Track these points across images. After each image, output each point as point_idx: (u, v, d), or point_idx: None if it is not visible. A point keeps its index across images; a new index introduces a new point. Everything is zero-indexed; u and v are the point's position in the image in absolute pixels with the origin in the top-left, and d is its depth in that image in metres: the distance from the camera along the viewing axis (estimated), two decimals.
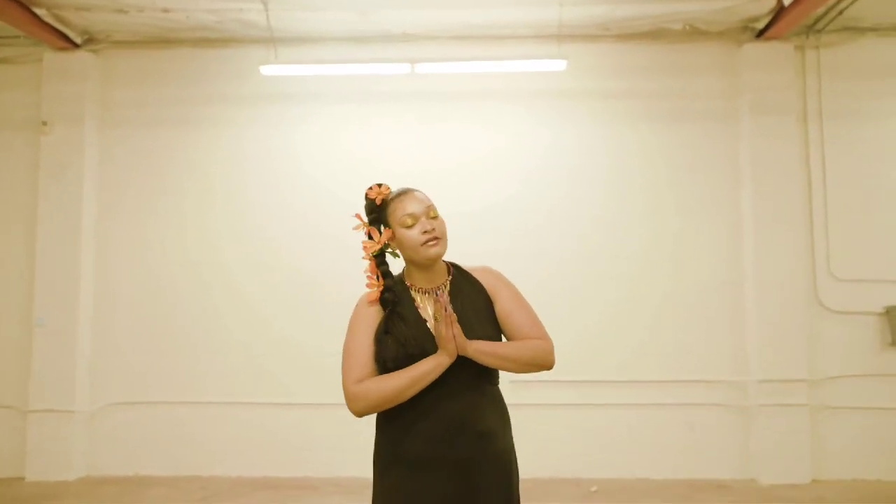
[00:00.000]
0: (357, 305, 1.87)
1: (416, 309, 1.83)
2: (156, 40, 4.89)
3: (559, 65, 4.35)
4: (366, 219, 1.89)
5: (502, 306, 1.85)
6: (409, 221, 1.81)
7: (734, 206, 4.73)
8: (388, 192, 1.89)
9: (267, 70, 4.43)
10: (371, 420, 1.84)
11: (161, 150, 4.92)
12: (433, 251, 1.79)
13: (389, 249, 1.88)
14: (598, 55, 4.83)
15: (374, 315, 1.82)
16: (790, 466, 4.42)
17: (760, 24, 4.62)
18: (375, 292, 1.84)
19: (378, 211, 1.88)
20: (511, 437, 1.86)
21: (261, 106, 4.89)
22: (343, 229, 4.62)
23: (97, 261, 4.87)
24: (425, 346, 1.75)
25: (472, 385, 1.78)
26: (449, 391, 1.75)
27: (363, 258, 1.85)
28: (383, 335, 1.79)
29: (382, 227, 1.87)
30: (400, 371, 1.75)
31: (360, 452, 4.72)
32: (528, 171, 4.81)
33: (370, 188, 1.89)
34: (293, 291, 4.80)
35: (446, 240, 1.84)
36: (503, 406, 1.87)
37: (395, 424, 1.79)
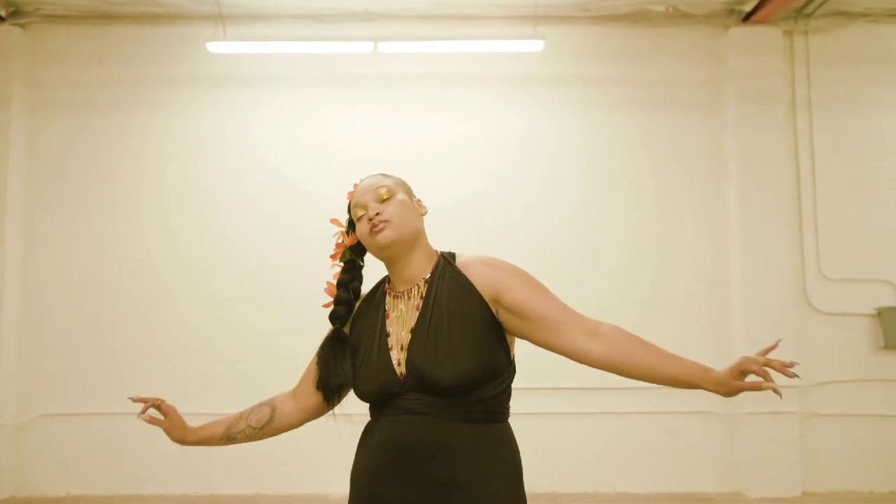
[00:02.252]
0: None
1: (381, 322, 1.59)
2: (92, 15, 4.66)
3: (536, 45, 4.24)
4: (345, 223, 1.70)
5: (514, 297, 1.51)
6: (359, 212, 1.61)
7: (719, 200, 4.66)
8: None
9: (214, 47, 4.24)
10: (352, 434, 1.68)
11: (98, 136, 4.70)
12: (379, 238, 1.55)
13: (356, 257, 1.69)
14: (576, 38, 4.72)
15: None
16: (779, 478, 4.36)
17: (747, 7, 4.55)
18: (328, 304, 1.66)
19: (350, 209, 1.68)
20: (501, 497, 1.49)
21: (213, 89, 4.70)
22: (304, 220, 4.59)
23: (24, 256, 4.62)
24: (377, 360, 1.54)
25: (452, 411, 1.47)
26: (410, 413, 1.49)
27: (332, 265, 1.69)
28: (317, 355, 1.65)
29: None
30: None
31: (315, 467, 4.62)
32: (500, 163, 4.70)
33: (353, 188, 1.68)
34: (251, 288, 4.62)
35: (406, 223, 1.57)
36: (503, 453, 1.52)
37: (368, 425, 1.61)
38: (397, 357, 1.53)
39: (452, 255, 1.63)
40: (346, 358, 1.60)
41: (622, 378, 4.66)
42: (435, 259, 1.62)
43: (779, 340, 1.54)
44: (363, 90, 4.69)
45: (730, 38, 4.62)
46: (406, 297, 1.58)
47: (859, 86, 4.67)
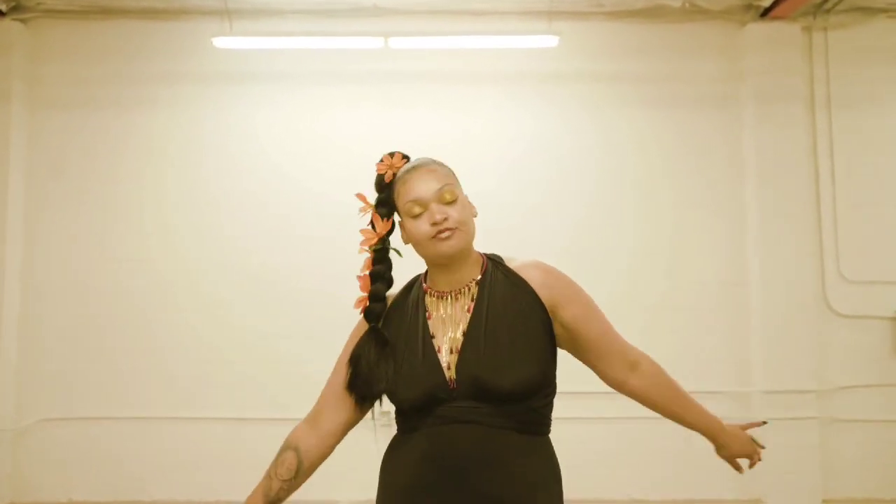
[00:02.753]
0: (355, 327, 1.58)
1: (423, 323, 1.48)
2: (94, 10, 4.58)
3: (550, 41, 4.17)
4: (372, 200, 1.55)
5: (573, 317, 1.49)
6: (416, 210, 1.47)
7: (736, 200, 4.59)
8: (401, 164, 1.54)
9: (220, 42, 4.18)
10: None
11: (100, 133, 4.62)
12: (444, 247, 1.45)
13: (393, 247, 1.56)
14: (589, 35, 4.65)
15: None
16: (798, 485, 4.29)
17: (765, 3, 4.48)
18: (362, 300, 1.53)
19: (387, 190, 1.54)
20: None
21: (218, 86, 4.63)
22: (308, 220, 4.51)
23: (24, 257, 4.55)
24: (421, 364, 1.43)
25: (505, 420, 1.40)
26: (459, 423, 1.38)
27: (360, 251, 1.53)
28: (351, 359, 1.50)
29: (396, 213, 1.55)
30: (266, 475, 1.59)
31: (321, 473, 4.54)
32: (509, 161, 4.63)
33: (380, 161, 1.55)
34: (253, 289, 4.55)
35: (468, 228, 1.48)
36: (550, 467, 1.48)
37: (396, 439, 1.52)
38: (447, 360, 1.43)
39: (499, 258, 1.56)
40: (388, 361, 1.47)
41: None
42: (480, 261, 1.54)
43: (765, 422, 1.81)
44: (371, 87, 4.61)
45: (747, 34, 4.55)
46: (452, 297, 1.50)
47: (880, 83, 4.61)
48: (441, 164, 1.53)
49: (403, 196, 1.49)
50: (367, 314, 1.52)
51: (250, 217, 4.58)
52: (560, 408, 4.73)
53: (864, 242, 4.52)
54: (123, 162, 4.62)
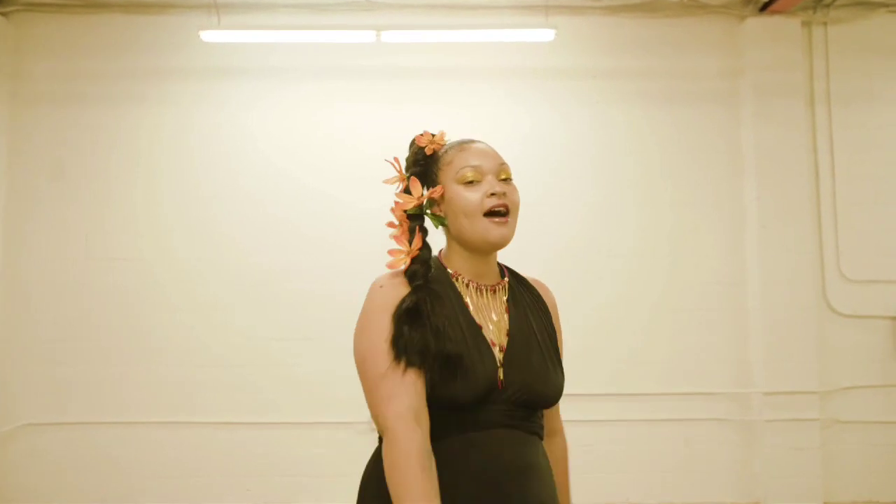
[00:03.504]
0: (371, 291, 1.36)
1: (465, 307, 1.36)
2: (78, 3, 4.50)
3: (547, 35, 4.11)
4: (405, 170, 1.45)
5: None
6: (470, 175, 1.36)
7: (736, 198, 4.55)
8: (443, 142, 1.46)
9: (208, 36, 4.10)
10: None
11: (86, 129, 4.54)
12: (496, 233, 1.33)
13: (430, 212, 1.42)
14: (586, 29, 4.59)
15: (394, 300, 1.33)
16: (799, 488, 4.25)
17: None
18: (401, 259, 1.36)
19: (425, 163, 1.43)
20: None
21: (208, 82, 4.55)
22: (304, 218, 4.42)
23: (7, 257, 4.46)
24: (473, 352, 1.29)
25: (536, 426, 1.39)
26: (503, 427, 1.31)
27: (388, 224, 1.41)
28: (403, 318, 1.28)
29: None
30: (431, 487, 1.20)
31: (317, 478, 4.50)
32: (505, 158, 4.55)
33: (420, 134, 1.46)
34: (248, 290, 4.47)
35: (516, 220, 1.38)
36: (552, 470, 1.47)
37: (447, 452, 1.34)
38: (498, 358, 1.33)
39: (509, 268, 1.52)
40: (432, 313, 1.31)
41: (636, 385, 4.58)
42: (497, 264, 1.48)
43: None
44: (364, 83, 4.54)
45: (746, 28, 4.50)
46: (488, 291, 1.41)
47: (881, 78, 4.56)
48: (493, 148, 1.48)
49: (458, 162, 1.40)
50: (412, 275, 1.34)
51: (244, 215, 4.51)
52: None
53: (865, 241, 4.48)
54: (111, 159, 4.54)
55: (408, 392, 1.25)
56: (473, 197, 1.35)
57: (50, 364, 4.43)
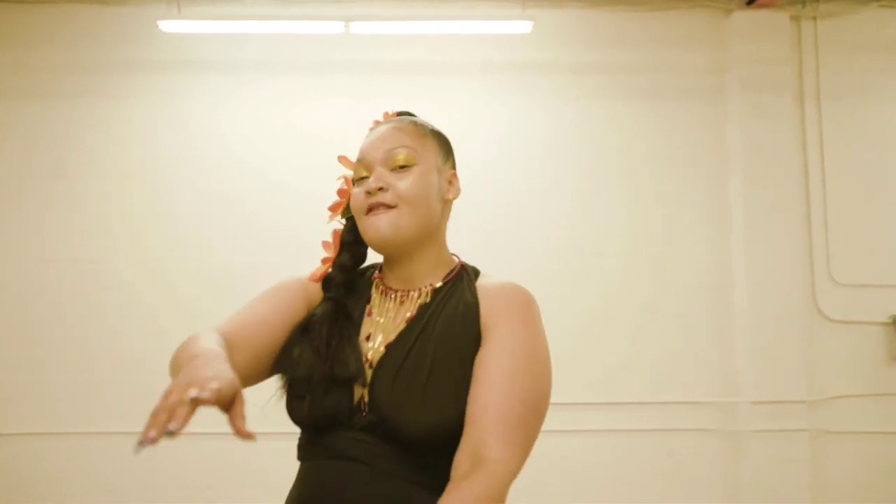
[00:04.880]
0: (294, 275, 1.29)
1: (362, 315, 1.22)
2: None
3: (524, 26, 4.01)
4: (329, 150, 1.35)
5: (481, 360, 1.13)
6: (361, 172, 1.21)
7: (722, 197, 4.47)
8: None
9: (167, 26, 3.98)
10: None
11: (44, 125, 4.41)
12: (371, 228, 1.18)
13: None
14: (567, 22, 4.50)
15: (307, 299, 1.25)
16: (787, 500, 4.17)
17: None
18: (324, 267, 1.27)
19: None
20: None
21: (172, 75, 4.43)
22: (281, 218, 4.23)
23: None
24: (351, 372, 1.12)
25: (410, 469, 1.10)
26: (349, 465, 1.09)
27: (329, 220, 1.31)
28: (301, 332, 1.18)
29: None
30: (197, 345, 1.13)
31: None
32: (484, 157, 4.45)
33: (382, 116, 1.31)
34: (221, 291, 4.29)
35: (421, 210, 1.18)
36: None
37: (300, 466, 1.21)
38: (368, 375, 1.16)
39: (476, 273, 1.27)
40: (353, 345, 1.17)
41: (617, 393, 4.45)
42: (451, 267, 1.27)
43: None
44: (334, 77, 4.44)
45: (733, 22, 4.43)
46: (398, 298, 1.23)
47: (871, 74, 4.50)
48: (421, 126, 1.25)
49: (357, 156, 1.25)
50: (326, 283, 1.25)
51: (215, 214, 4.40)
52: None
53: (855, 243, 4.41)
54: (71, 156, 4.41)
55: (236, 327, 1.24)
56: (358, 197, 1.21)
57: (18, 371, 4.30)
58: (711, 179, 4.49)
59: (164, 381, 3.90)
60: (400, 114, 1.34)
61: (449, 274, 1.25)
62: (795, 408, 4.22)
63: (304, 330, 1.20)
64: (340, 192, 1.32)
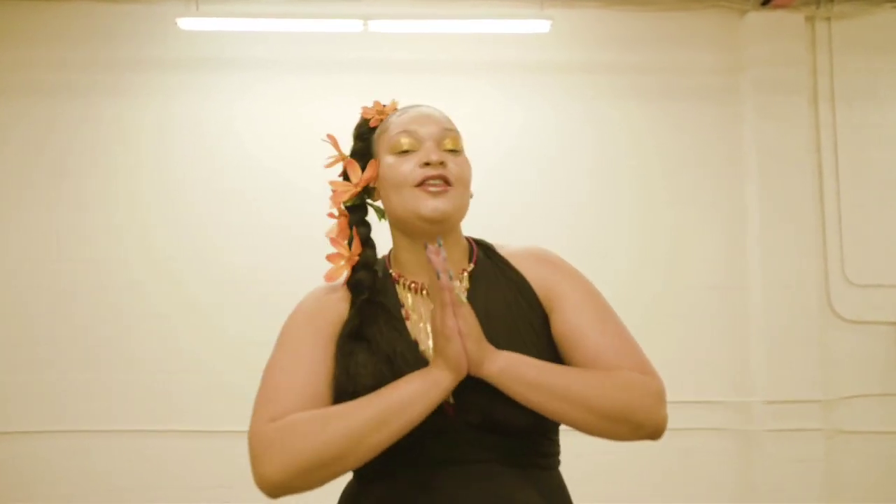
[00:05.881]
0: (299, 304, 1.18)
1: (402, 317, 1.14)
2: None
3: (542, 26, 4.03)
4: (346, 149, 1.23)
5: (565, 316, 1.13)
6: (405, 143, 1.13)
7: (736, 199, 4.48)
8: (394, 110, 1.24)
9: (185, 23, 3.99)
10: None
11: (58, 124, 4.42)
12: (430, 205, 1.10)
13: (373, 201, 1.20)
14: (581, 22, 4.51)
15: (330, 316, 1.14)
16: (801, 500, 4.18)
17: None
18: (341, 267, 1.14)
19: (369, 137, 1.22)
20: None
21: (188, 73, 4.43)
22: (293, 218, 4.24)
23: None
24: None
25: (510, 459, 1.09)
26: (462, 468, 1.05)
27: (329, 213, 1.20)
28: (350, 343, 1.09)
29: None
30: (358, 400, 1.01)
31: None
32: (497, 156, 4.46)
33: (371, 105, 1.26)
34: (231, 292, 4.36)
35: (466, 195, 1.15)
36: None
37: (358, 491, 1.12)
38: None
39: (488, 244, 1.25)
40: (381, 337, 1.10)
41: None
42: (467, 246, 1.22)
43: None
44: (351, 76, 4.42)
45: (747, 23, 4.44)
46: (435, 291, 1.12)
47: (885, 75, 4.51)
48: (444, 113, 1.24)
49: (392, 129, 1.17)
50: (355, 286, 1.14)
51: (227, 214, 4.40)
52: None
53: (869, 243, 4.42)
54: (81, 153, 4.42)
55: (285, 404, 1.10)
56: (405, 167, 1.12)
57: (24, 371, 4.31)
58: (725, 180, 4.49)
59: (171, 382, 3.97)
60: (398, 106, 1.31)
61: (470, 255, 1.22)
62: (809, 407, 4.22)
63: (355, 338, 1.10)
64: (337, 184, 1.22)
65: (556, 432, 1.19)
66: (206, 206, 4.41)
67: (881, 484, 4.31)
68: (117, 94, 4.45)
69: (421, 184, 1.12)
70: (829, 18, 4.53)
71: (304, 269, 4.27)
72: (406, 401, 0.99)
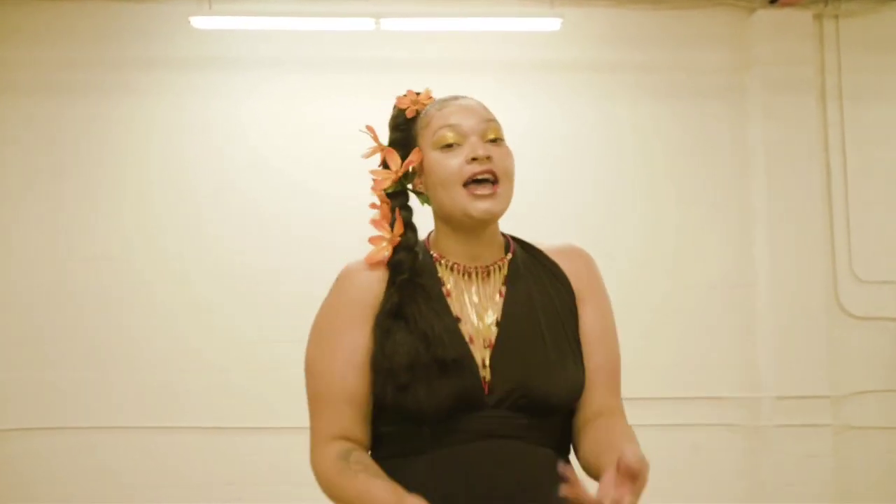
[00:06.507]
0: (339, 279, 1.22)
1: (442, 295, 1.17)
2: None
3: (553, 24, 4.07)
4: (384, 139, 1.26)
5: (587, 323, 1.21)
6: (449, 137, 1.16)
7: (744, 196, 4.50)
8: (428, 102, 1.28)
9: (198, 22, 4.02)
10: None
11: (67, 122, 4.44)
12: (480, 208, 1.14)
13: (413, 188, 1.24)
14: (590, 21, 4.53)
15: (367, 297, 1.17)
16: (811, 495, 4.20)
17: None
18: (383, 248, 1.18)
19: (406, 129, 1.25)
20: None
21: (199, 72, 4.46)
22: (299, 217, 4.28)
23: None
24: (457, 353, 1.12)
25: (542, 438, 1.14)
26: (495, 445, 1.09)
27: (371, 205, 1.24)
28: (389, 321, 1.12)
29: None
30: (361, 477, 1.07)
31: (311, 487, 4.40)
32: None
33: (403, 94, 1.29)
34: (238, 291, 4.38)
35: (512, 187, 1.19)
36: None
37: (393, 473, 1.13)
38: (480, 356, 1.14)
39: (520, 240, 1.32)
40: (420, 317, 1.14)
41: (641, 389, 4.46)
42: (502, 239, 1.26)
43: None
44: (363, 74, 4.45)
45: (755, 21, 4.46)
46: (478, 276, 1.20)
47: (894, 73, 4.54)
48: (484, 105, 1.28)
49: (435, 122, 1.19)
50: (396, 266, 1.17)
51: (235, 214, 4.42)
52: None
53: (877, 240, 4.45)
54: (90, 152, 4.44)
55: (335, 420, 1.15)
56: (452, 164, 1.15)
57: (32, 368, 4.33)
58: (733, 178, 4.52)
59: (178, 379, 3.98)
60: (432, 96, 1.36)
61: (508, 246, 1.26)
62: (818, 403, 4.25)
63: (394, 316, 1.14)
64: (377, 172, 1.26)
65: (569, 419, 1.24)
66: (214, 205, 4.43)
67: (890, 479, 4.33)
68: (127, 93, 4.47)
69: (469, 182, 1.16)
70: (836, 16, 4.55)
71: (311, 267, 4.36)
72: None
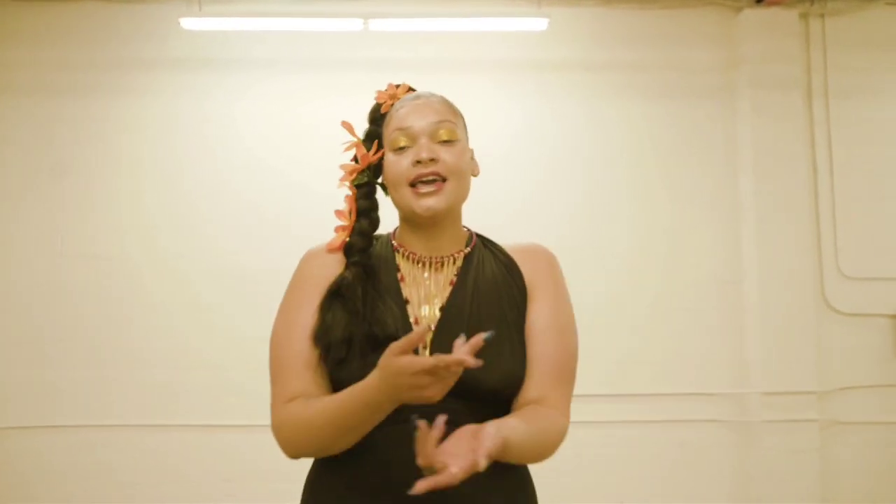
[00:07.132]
0: (302, 260, 1.30)
1: (396, 280, 1.25)
2: None
3: (540, 24, 4.09)
4: (360, 132, 1.33)
5: (535, 315, 1.25)
6: (401, 141, 1.23)
7: (731, 194, 4.53)
8: (406, 92, 1.35)
9: (188, 23, 4.04)
10: None
11: (62, 123, 4.46)
12: (422, 205, 1.21)
13: (381, 181, 1.31)
14: (578, 20, 4.56)
15: (326, 278, 1.24)
16: (797, 491, 4.23)
17: None
18: (341, 235, 1.27)
19: (380, 122, 1.31)
20: None
21: (191, 73, 4.48)
22: (294, 216, 4.30)
23: None
24: (395, 331, 1.17)
25: (469, 420, 1.11)
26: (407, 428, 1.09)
27: (339, 185, 1.32)
28: (331, 299, 1.20)
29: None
30: (332, 396, 1.13)
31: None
32: (495, 154, 4.48)
33: (385, 88, 1.36)
34: (235, 290, 4.40)
35: (461, 184, 1.26)
36: (530, 496, 1.27)
37: (333, 462, 1.21)
38: (427, 339, 1.21)
39: (486, 238, 1.37)
40: (363, 297, 1.20)
41: (629, 385, 4.51)
42: (466, 235, 1.33)
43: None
44: (352, 74, 4.41)
45: (742, 20, 4.49)
46: (432, 266, 1.27)
47: (879, 71, 4.56)
48: (451, 104, 1.33)
49: (392, 124, 1.26)
50: (348, 249, 1.25)
51: (230, 213, 4.44)
52: None
53: (864, 237, 4.48)
54: (88, 153, 4.46)
55: (296, 377, 1.23)
56: (400, 164, 1.23)
57: (31, 367, 4.35)
58: (721, 176, 4.54)
59: (175, 378, 4.03)
60: (411, 88, 1.41)
61: (469, 241, 1.33)
62: (805, 398, 4.28)
63: (335, 295, 1.21)
64: (346, 166, 1.32)
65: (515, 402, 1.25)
66: (209, 204, 4.46)
67: (876, 474, 4.36)
68: (121, 94, 4.50)
69: (415, 183, 1.22)
70: (822, 15, 4.58)
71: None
72: (359, 406, 1.10)
